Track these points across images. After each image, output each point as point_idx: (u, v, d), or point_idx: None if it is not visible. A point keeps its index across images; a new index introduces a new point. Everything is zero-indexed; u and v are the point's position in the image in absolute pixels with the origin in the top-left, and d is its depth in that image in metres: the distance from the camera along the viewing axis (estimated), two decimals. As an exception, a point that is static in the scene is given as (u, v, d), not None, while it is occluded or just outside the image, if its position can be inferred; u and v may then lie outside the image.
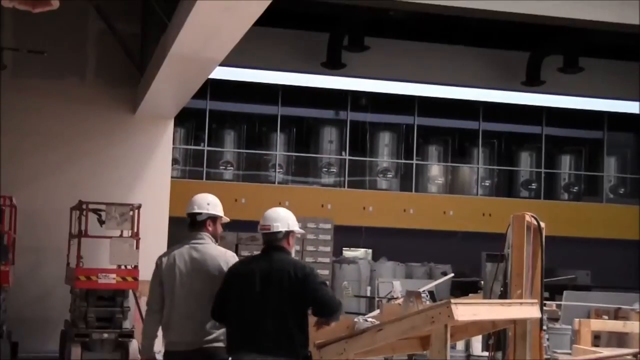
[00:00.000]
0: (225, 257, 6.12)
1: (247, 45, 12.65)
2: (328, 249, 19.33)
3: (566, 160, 24.89)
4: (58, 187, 14.54)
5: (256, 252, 6.30)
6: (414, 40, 20.89)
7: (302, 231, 6.23)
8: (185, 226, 6.32)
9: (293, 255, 6.04)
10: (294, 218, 6.05)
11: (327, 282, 6.41)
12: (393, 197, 22.86)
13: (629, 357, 8.24)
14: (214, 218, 6.20)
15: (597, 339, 13.49)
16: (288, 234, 5.98)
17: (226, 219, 6.33)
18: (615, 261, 23.71)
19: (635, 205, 24.48)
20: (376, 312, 14.22)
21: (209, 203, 6.21)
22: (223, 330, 6.00)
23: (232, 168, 22.83)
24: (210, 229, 6.19)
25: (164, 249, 15.09)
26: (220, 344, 6.03)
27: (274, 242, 5.94)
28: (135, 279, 12.80)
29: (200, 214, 6.16)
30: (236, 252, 18.37)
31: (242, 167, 23.16)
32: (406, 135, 23.89)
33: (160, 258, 6.23)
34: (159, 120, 15.31)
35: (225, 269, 6.01)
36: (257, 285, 5.79)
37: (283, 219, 5.96)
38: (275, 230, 5.92)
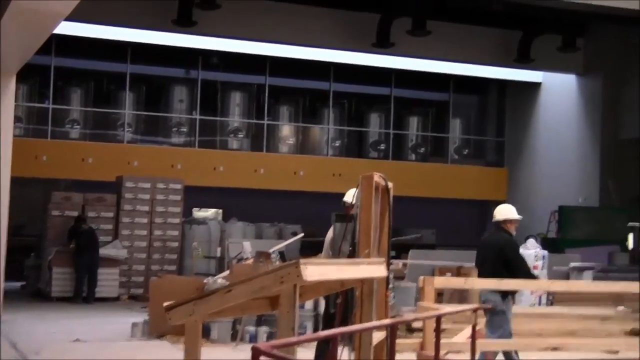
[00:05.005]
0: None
1: (94, -1, 12.25)
2: (178, 209, 19.16)
3: (414, 122, 25.47)
4: None
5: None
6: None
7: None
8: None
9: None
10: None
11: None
12: (244, 157, 22.84)
13: (468, 312, 8.56)
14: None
15: (441, 295, 13.97)
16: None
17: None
18: (459, 220, 24.57)
19: (478, 165, 25.42)
20: (226, 272, 14.26)
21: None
22: None
23: (78, 127, 22.19)
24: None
25: (6, 210, 14.61)
26: None
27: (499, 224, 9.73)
28: (-25, 241, 12.30)
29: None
30: (82, 212, 17.96)
31: (90, 126, 22.56)
32: (257, 95, 23.85)
33: None
34: (-1, 75, 14.62)
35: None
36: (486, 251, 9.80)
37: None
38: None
